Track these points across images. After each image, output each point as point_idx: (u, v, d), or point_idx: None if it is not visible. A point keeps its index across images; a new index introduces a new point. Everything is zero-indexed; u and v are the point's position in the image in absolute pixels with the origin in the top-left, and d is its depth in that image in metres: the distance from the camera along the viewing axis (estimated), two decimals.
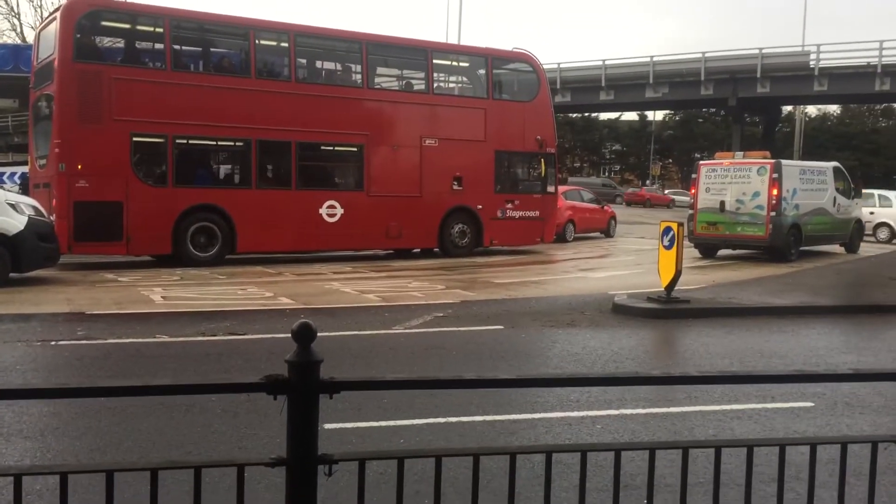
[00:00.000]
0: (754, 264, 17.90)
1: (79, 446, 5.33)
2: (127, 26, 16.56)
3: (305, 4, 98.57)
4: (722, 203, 18.56)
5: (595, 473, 4.53)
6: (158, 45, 16.40)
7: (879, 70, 39.64)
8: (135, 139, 15.59)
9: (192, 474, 2.28)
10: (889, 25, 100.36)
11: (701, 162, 20.47)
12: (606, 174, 71.36)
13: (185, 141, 16.35)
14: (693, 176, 19.97)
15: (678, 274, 11.27)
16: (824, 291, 13.48)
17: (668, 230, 11.37)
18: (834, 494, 2.83)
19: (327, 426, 5.43)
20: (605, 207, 27.91)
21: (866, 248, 22.02)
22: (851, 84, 41.65)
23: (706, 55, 44.61)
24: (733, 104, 45.96)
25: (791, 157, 36.49)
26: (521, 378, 2.62)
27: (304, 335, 2.25)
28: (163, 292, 12.32)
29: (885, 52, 39.81)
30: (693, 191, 19.75)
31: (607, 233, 26.99)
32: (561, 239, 23.45)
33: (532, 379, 2.67)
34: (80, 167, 14.94)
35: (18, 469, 2.57)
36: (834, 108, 65.64)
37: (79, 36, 15.26)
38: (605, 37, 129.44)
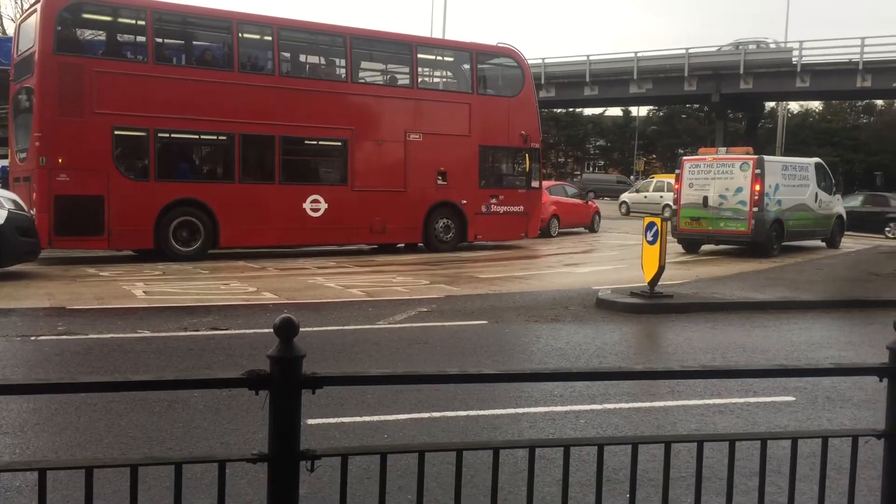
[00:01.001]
0: (737, 259, 18.00)
1: (59, 442, 5.29)
2: (108, 19, 16.40)
3: None
4: (705, 198, 18.64)
5: (578, 468, 4.54)
6: (140, 38, 16.26)
7: (861, 67, 39.92)
8: (116, 133, 15.46)
9: (173, 470, 2.27)
10: (871, 23, 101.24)
11: (684, 157, 20.55)
12: (591, 169, 71.53)
13: (167, 135, 16.23)
14: (676, 171, 20.05)
15: (661, 269, 11.31)
16: (806, 286, 13.58)
17: (651, 225, 11.41)
18: (815, 488, 2.85)
19: (310, 421, 5.41)
20: (590, 203, 28.00)
21: (847, 244, 22.21)
22: (833, 81, 41.94)
23: (689, 51, 44.79)
24: (717, 100, 46.18)
25: (773, 153, 36.70)
26: (504, 373, 2.62)
27: (286, 330, 2.23)
28: (145, 287, 12.24)
29: (866, 49, 40.11)
30: (677, 186, 19.81)
31: (591, 228, 27.08)
32: (545, 234, 23.51)
33: (515, 374, 2.66)
34: (60, 161, 14.80)
35: None
36: (816, 105, 66.07)
37: (59, 28, 15.11)
38: (589, 32, 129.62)
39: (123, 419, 5.67)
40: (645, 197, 36.94)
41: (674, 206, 20.08)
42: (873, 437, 2.78)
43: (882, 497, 2.80)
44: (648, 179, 42.79)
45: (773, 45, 45.87)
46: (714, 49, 46.05)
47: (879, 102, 61.18)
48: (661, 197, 34.58)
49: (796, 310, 11.61)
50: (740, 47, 45.26)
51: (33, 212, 14.01)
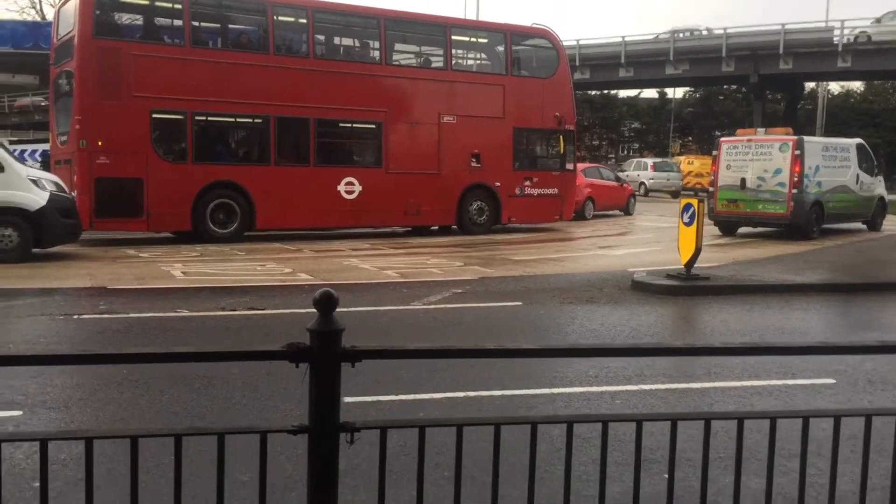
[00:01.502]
0: (775, 242, 17.75)
1: (102, 417, 5.40)
2: (146, 3, 16.59)
3: None
4: (743, 180, 18.38)
5: (615, 447, 4.53)
6: (177, 22, 16.41)
7: None
8: (154, 116, 15.64)
9: (216, 442, 2.30)
10: None
11: (722, 139, 20.27)
12: (625, 152, 70.84)
13: (204, 118, 16.38)
14: (714, 153, 19.79)
15: (698, 251, 11.19)
16: (846, 269, 13.35)
17: (688, 207, 11.28)
18: (855, 469, 2.81)
19: (347, 399, 5.45)
20: (625, 185, 27.81)
21: (889, 227, 21.78)
22: (876, 60, 40.94)
23: (727, 31, 44.00)
24: (755, 81, 45.32)
25: (813, 135, 36.03)
26: (541, 348, 2.62)
27: (326, 304, 2.25)
28: (183, 268, 12.41)
29: None
30: (714, 168, 19.57)
31: (626, 210, 26.87)
32: (580, 216, 23.39)
33: (552, 349, 2.66)
34: (100, 143, 15.02)
35: (44, 434, 2.60)
36: (857, 86, 64.69)
37: (98, 12, 15.29)
38: (625, 13, 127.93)
39: (164, 395, 5.77)
40: (626, 175, 37.17)
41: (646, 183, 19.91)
42: None
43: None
44: (630, 160, 46.24)
45: (704, 33, 45.68)
46: (753, 29, 45.18)
47: None
48: (639, 175, 38.96)
49: (836, 292, 11.42)
50: (678, 34, 45.52)
51: (74, 194, 14.25)
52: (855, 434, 2.83)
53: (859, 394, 6.25)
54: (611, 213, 26.36)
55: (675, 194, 35.40)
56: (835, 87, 60.83)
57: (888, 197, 22.67)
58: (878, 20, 40.25)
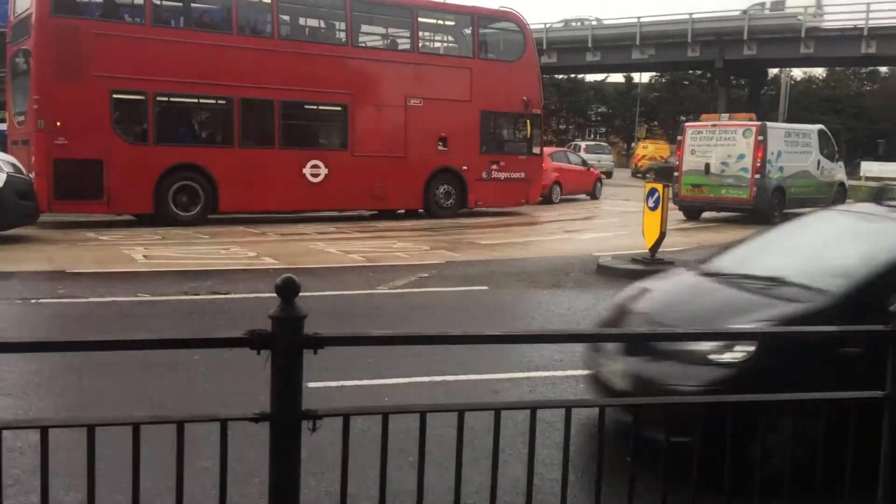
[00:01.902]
0: (738, 227, 17.95)
1: (60, 404, 5.31)
2: None
3: None
4: (707, 165, 18.57)
5: (579, 431, 4.56)
6: (138, 0, 16.06)
7: (866, 33, 39.50)
8: (115, 96, 15.34)
9: (175, 430, 2.26)
10: None
11: (687, 124, 20.44)
12: (592, 136, 71.21)
13: (166, 98, 16.11)
14: (679, 138, 19.96)
15: (662, 235, 11.28)
16: None
17: (653, 191, 11.35)
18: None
19: (310, 385, 5.40)
20: (591, 170, 27.97)
21: None
22: (838, 47, 41.53)
23: (693, 16, 44.31)
24: (720, 66, 45.78)
25: (776, 121, 36.46)
26: (505, 334, 2.61)
27: (288, 290, 2.22)
28: (145, 251, 12.23)
29: (871, 15, 39.64)
30: (679, 153, 19.73)
31: (593, 195, 27.03)
32: (547, 200, 23.47)
33: (517, 335, 2.66)
34: (58, 124, 14.70)
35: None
36: (819, 72, 65.58)
37: None
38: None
39: (124, 381, 5.69)
40: None
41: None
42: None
43: (882, 460, 2.81)
44: (570, 143, 47.36)
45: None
46: (718, 14, 45.51)
47: (884, 69, 60.69)
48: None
49: None
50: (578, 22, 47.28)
51: (32, 175, 13.95)
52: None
53: None
54: (578, 196, 26.48)
55: (609, 174, 38.53)
56: (798, 73, 61.63)
57: (848, 182, 23.06)
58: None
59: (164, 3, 16.83)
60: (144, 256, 11.73)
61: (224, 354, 5.98)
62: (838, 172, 21.55)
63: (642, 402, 2.70)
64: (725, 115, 20.47)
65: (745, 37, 42.61)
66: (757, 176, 18.04)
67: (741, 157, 18.20)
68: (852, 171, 34.34)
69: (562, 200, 24.88)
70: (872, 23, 39.60)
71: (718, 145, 18.54)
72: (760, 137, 18.03)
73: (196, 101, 16.80)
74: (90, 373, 5.81)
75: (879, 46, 39.40)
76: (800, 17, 41.57)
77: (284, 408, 2.24)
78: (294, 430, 2.25)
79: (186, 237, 14.08)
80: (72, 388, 5.59)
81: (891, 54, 40.51)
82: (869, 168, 41.16)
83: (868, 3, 40.00)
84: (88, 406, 5.24)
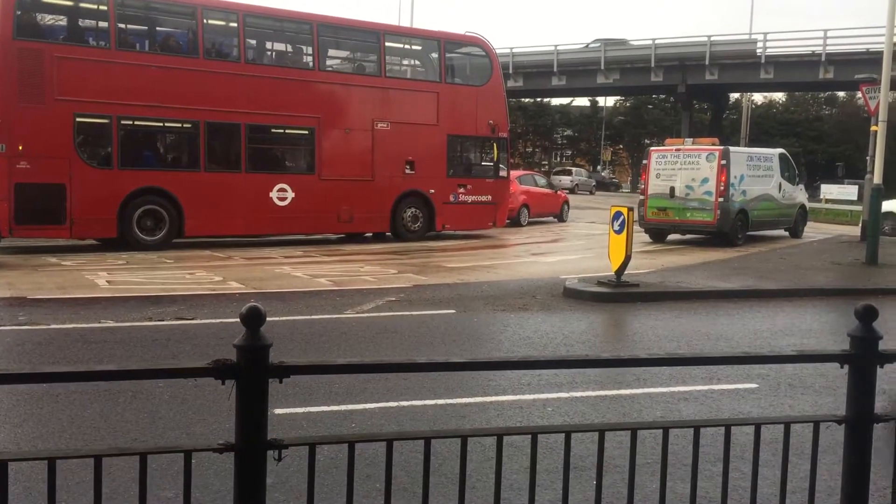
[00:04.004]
0: (702, 249, 18.21)
1: (20, 434, 5.20)
2: (70, 3, 16.12)
3: None
4: (672, 189, 18.83)
5: (546, 455, 4.58)
6: (103, 24, 15.96)
7: (824, 58, 40.50)
8: (78, 120, 15.19)
9: (138, 461, 2.24)
10: (835, 16, 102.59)
11: (652, 148, 20.73)
12: (559, 159, 71.91)
13: (130, 122, 15.99)
14: (644, 162, 20.24)
15: (628, 258, 11.40)
16: (769, 275, 13.78)
17: (618, 215, 11.48)
18: (777, 473, 2.89)
19: (277, 411, 5.38)
20: (559, 192, 28.26)
21: (809, 233, 22.58)
22: (796, 72, 42.51)
23: (656, 42, 45.10)
24: (682, 91, 46.61)
25: (738, 144, 37.11)
26: (472, 361, 2.62)
27: (253, 319, 2.21)
28: (108, 276, 12.07)
29: (829, 42, 40.69)
30: (644, 177, 20.01)
31: (560, 217, 27.25)
32: (516, 223, 23.63)
33: (483, 362, 2.67)
34: (21, 148, 14.51)
35: None
36: (779, 96, 66.97)
37: (19, 13, 14.77)
38: (558, 22, 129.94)
39: (87, 410, 5.60)
40: None
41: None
42: (834, 422, 2.83)
43: (843, 480, 2.86)
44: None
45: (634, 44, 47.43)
46: (681, 40, 46.35)
47: (841, 94, 62.15)
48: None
49: (760, 298, 11.77)
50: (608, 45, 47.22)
51: None
52: (776, 437, 2.92)
53: (781, 398, 6.44)
54: (545, 219, 26.67)
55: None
56: (758, 97, 62.87)
57: (809, 205, 23.52)
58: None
59: (129, 26, 16.73)
60: (108, 282, 11.57)
61: (189, 382, 5.91)
62: (799, 195, 22.01)
63: (608, 427, 2.73)
64: (689, 140, 20.82)
65: (707, 62, 43.46)
66: (721, 199, 18.33)
67: (705, 180, 18.50)
68: (812, 193, 35.02)
69: (530, 223, 25.05)
70: (830, 48, 40.62)
71: (683, 169, 18.83)
72: (723, 161, 18.35)
73: (161, 124, 16.69)
74: (51, 401, 5.71)
75: (837, 72, 40.40)
76: (759, 44, 42.49)
77: (249, 438, 2.22)
78: (259, 460, 2.23)
79: (151, 262, 13.92)
80: (32, 418, 5.48)
81: (847, 79, 41.52)
82: (829, 190, 41.98)
83: (825, 31, 41.10)
84: (49, 436, 5.14)
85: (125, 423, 5.38)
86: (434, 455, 2.56)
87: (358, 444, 2.44)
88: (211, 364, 2.19)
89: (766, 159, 20.23)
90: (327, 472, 4.29)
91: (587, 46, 48.56)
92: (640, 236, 19.90)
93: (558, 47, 47.87)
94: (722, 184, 18.32)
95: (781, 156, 20.94)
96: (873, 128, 17.64)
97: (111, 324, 8.64)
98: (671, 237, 19.99)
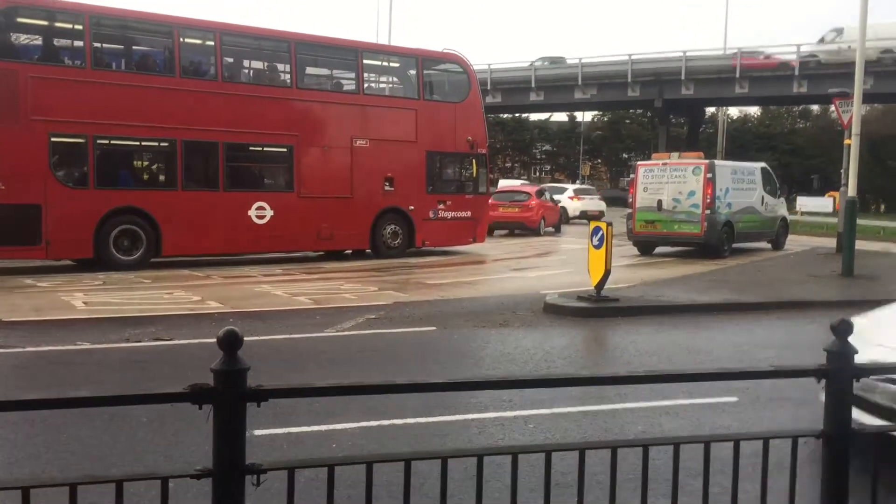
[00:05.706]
0: (682, 262, 18.34)
1: None
2: (45, 23, 15.97)
3: (234, 3, 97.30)
4: (659, 202, 19.16)
5: (528, 472, 4.55)
6: (78, 43, 15.86)
7: (797, 73, 41.01)
8: (53, 139, 15.06)
9: (115, 489, 2.21)
10: (807, 31, 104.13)
11: (639, 162, 21.05)
12: (538, 174, 72.29)
13: (106, 141, 15.87)
14: (630, 176, 20.53)
15: (607, 273, 11.45)
16: (748, 288, 13.88)
17: (597, 230, 11.54)
18: (757, 487, 2.90)
19: (257, 432, 5.33)
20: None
21: (789, 245, 22.83)
22: (771, 86, 43.01)
23: (632, 57, 45.50)
24: (659, 105, 47.00)
25: (715, 158, 37.57)
26: (452, 382, 2.62)
27: (230, 342, 2.19)
28: (84, 297, 11.94)
29: (802, 56, 41.19)
30: (632, 190, 20.30)
31: (557, 228, 28.92)
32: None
33: (463, 383, 2.67)
34: None
35: None
36: (755, 110, 67.81)
37: None
38: (535, 38, 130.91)
39: (63, 434, 5.52)
40: None
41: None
42: (812, 437, 2.85)
43: (822, 493, 2.87)
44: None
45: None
46: (657, 55, 46.82)
47: (815, 108, 63.03)
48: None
49: (739, 311, 11.86)
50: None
51: None
52: (756, 451, 2.93)
53: (760, 411, 6.48)
54: (523, 234, 26.80)
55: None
56: (734, 111, 63.59)
57: (790, 217, 23.88)
58: (822, 40, 41.06)
59: (105, 45, 16.65)
60: (84, 303, 11.45)
61: (167, 404, 5.85)
62: (780, 208, 22.49)
63: (588, 445, 2.73)
64: (675, 154, 21.08)
65: (683, 77, 43.90)
66: (707, 211, 18.68)
67: (692, 193, 18.84)
68: (789, 205, 35.40)
69: (505, 235, 25.20)
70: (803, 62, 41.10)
71: (670, 183, 19.15)
72: (709, 175, 18.72)
73: (138, 143, 16.59)
74: (26, 426, 5.62)
75: (810, 86, 40.91)
76: (734, 58, 42.97)
77: (227, 463, 2.20)
78: (237, 486, 2.21)
79: (128, 282, 13.79)
80: (7, 443, 5.39)
81: (821, 93, 42.09)
82: (804, 203, 42.48)
83: (798, 45, 41.63)
84: (24, 461, 5.06)
85: (102, 447, 5.31)
86: (416, 474, 2.55)
87: (338, 467, 2.43)
88: (187, 389, 2.17)
89: (749, 173, 20.70)
90: (307, 494, 4.25)
91: (531, 65, 48.97)
92: (629, 249, 20.13)
93: (535, 63, 48.23)
94: (708, 196, 18.68)
95: (763, 170, 21.43)
96: (847, 141, 17.91)
97: (88, 346, 8.55)
98: (659, 249, 20.25)
